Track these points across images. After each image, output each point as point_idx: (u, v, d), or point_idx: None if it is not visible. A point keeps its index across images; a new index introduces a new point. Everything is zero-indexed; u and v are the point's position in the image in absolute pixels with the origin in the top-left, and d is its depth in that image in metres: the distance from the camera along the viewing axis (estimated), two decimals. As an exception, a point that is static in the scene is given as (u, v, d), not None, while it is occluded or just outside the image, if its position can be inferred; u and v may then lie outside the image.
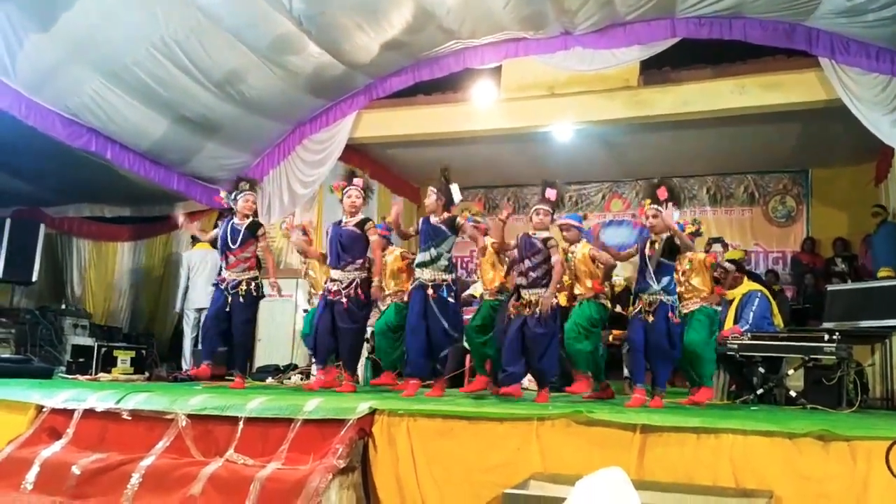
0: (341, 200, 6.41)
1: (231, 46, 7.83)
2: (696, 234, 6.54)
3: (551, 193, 5.81)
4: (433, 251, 5.82)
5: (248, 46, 7.91)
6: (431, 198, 5.95)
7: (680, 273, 6.27)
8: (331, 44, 8.11)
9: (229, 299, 6.58)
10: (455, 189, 5.93)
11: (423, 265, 5.86)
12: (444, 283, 5.84)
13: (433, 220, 5.92)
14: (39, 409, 4.94)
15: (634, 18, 7.83)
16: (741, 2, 7.26)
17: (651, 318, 5.46)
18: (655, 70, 8.61)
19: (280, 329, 9.16)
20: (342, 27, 7.86)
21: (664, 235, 5.56)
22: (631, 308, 5.61)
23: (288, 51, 8.06)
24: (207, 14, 7.36)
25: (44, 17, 6.92)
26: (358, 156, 10.38)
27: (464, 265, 12.27)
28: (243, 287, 6.64)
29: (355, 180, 6.39)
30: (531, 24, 8.10)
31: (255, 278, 6.72)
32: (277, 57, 8.14)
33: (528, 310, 5.59)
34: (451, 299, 5.83)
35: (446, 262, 5.89)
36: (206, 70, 8.03)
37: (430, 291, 5.74)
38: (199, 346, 6.77)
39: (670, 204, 5.64)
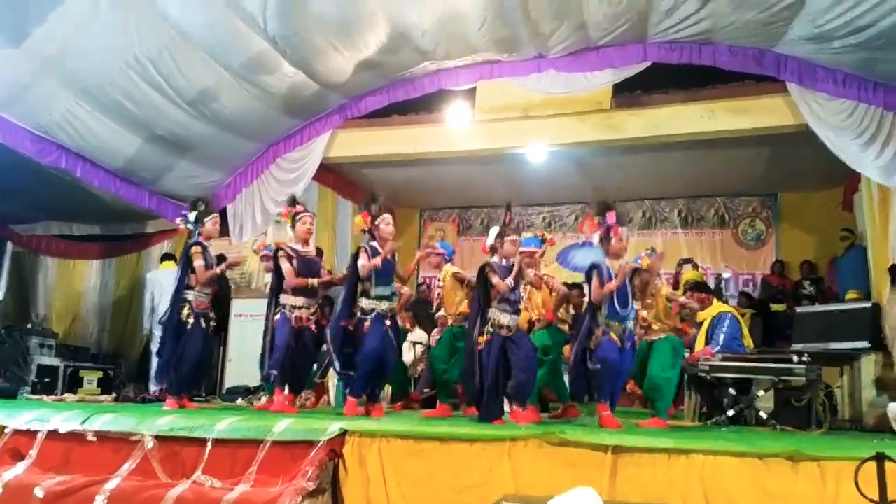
0: (292, 227, 6.39)
1: (204, 65, 7.79)
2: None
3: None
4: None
5: (222, 65, 7.87)
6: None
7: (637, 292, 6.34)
8: (305, 63, 8.10)
9: (205, 326, 6.54)
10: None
11: None
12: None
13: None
14: (2, 429, 4.84)
15: (607, 42, 7.92)
16: (711, 28, 7.38)
17: (627, 345, 5.63)
18: (627, 94, 8.69)
19: (251, 349, 9.07)
20: (317, 47, 7.86)
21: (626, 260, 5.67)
22: (598, 333, 5.57)
23: (262, 70, 8.04)
24: (181, 32, 7.33)
25: (15, 32, 6.84)
26: (332, 175, 10.36)
27: (438, 285, 12.23)
28: (212, 314, 6.62)
29: (297, 206, 6.48)
30: (505, 47, 8.17)
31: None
32: (251, 76, 8.12)
33: (505, 330, 5.63)
34: None
35: None
36: (179, 88, 7.97)
37: None
38: (179, 381, 6.47)
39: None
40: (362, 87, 8.96)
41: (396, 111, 9.52)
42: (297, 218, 6.37)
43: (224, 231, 9.66)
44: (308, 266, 6.31)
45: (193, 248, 6.49)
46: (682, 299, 6.85)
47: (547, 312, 6.50)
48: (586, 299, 6.20)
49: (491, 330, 5.62)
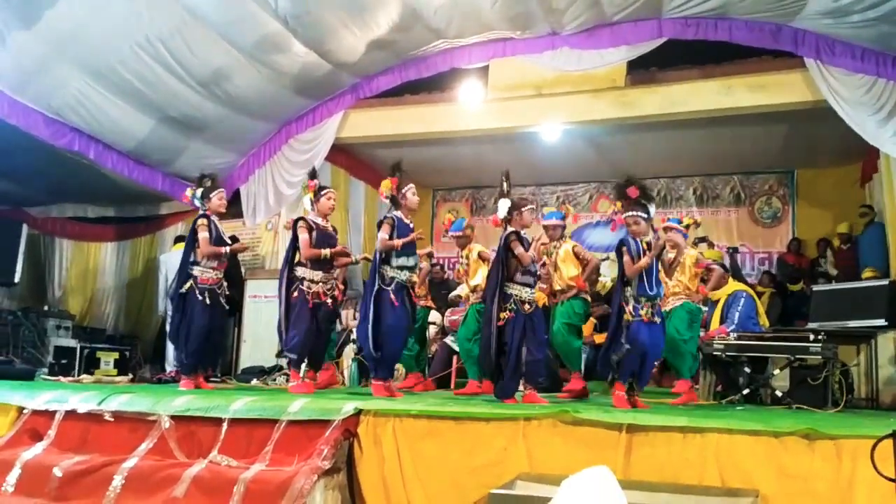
0: (315, 201, 6.32)
1: (216, 45, 7.77)
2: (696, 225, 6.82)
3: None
4: None
5: (234, 45, 7.85)
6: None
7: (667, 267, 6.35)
8: (317, 43, 8.07)
9: (219, 301, 6.52)
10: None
11: None
12: None
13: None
14: (20, 410, 4.89)
15: (621, 19, 7.84)
16: (727, 2, 7.28)
17: (658, 320, 5.51)
18: (642, 70, 8.60)
19: (265, 330, 9.11)
20: (328, 26, 7.82)
21: (650, 238, 5.59)
22: (629, 312, 5.46)
23: (274, 50, 8.01)
24: (192, 12, 7.31)
25: (27, 14, 6.85)
26: (344, 155, 10.34)
27: (451, 266, 12.23)
28: (225, 289, 6.62)
29: (318, 183, 6.41)
30: (518, 24, 8.09)
31: None
32: (263, 56, 8.09)
33: (527, 307, 5.63)
34: None
35: None
36: (191, 69, 7.97)
37: None
38: (187, 358, 6.45)
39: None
40: (374, 67, 8.92)
41: (409, 90, 9.48)
42: (323, 193, 6.32)
43: (238, 212, 9.69)
44: (326, 240, 6.26)
45: (199, 221, 6.49)
46: (709, 261, 6.87)
47: (578, 282, 6.52)
48: (601, 279, 6.19)
49: (514, 307, 5.60)
